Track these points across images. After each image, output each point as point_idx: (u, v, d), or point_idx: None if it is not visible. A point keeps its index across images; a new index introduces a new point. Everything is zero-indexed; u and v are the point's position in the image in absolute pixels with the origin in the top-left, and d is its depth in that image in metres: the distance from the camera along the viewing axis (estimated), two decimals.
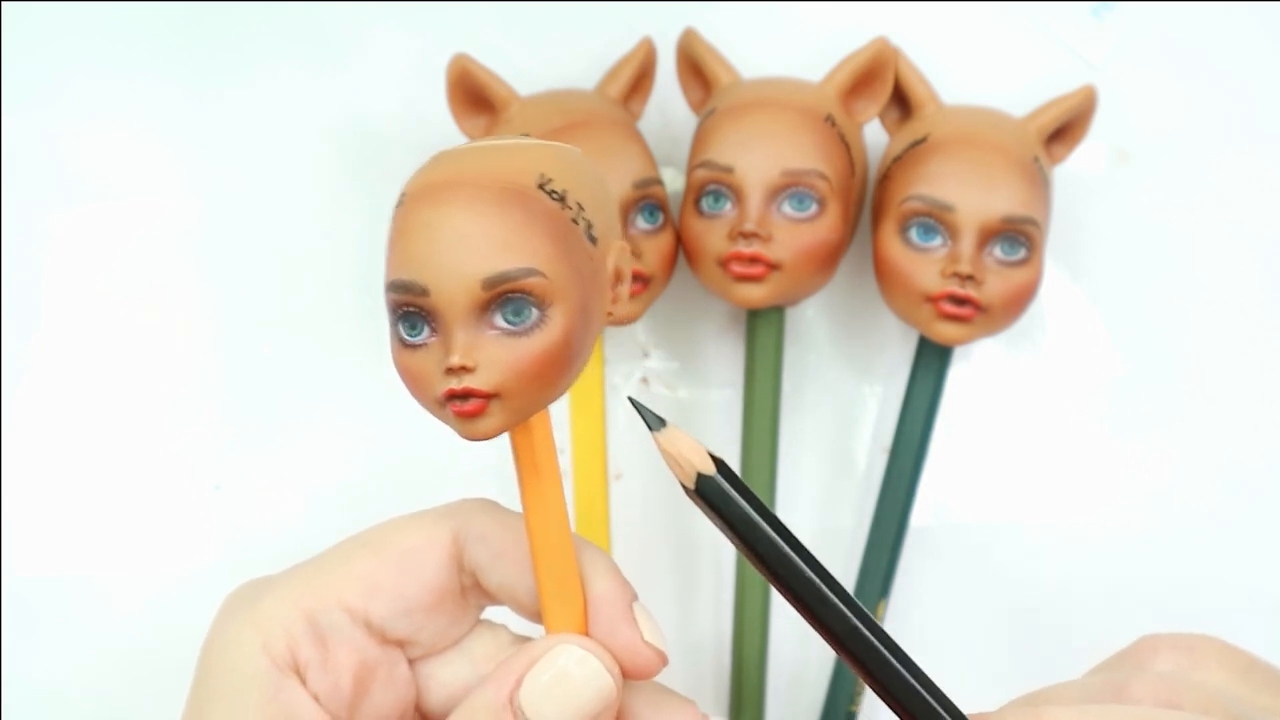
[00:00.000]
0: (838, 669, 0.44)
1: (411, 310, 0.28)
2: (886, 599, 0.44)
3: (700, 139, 0.43)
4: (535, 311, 0.27)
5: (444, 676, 0.33)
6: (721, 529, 0.27)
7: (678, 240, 0.43)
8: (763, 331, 0.43)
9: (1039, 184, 0.41)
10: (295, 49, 0.49)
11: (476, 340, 0.27)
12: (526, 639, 0.33)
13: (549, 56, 0.48)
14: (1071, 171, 0.47)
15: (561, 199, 0.28)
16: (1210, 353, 0.47)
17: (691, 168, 0.42)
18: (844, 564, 0.46)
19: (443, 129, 0.44)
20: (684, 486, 0.27)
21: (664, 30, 0.45)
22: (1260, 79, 0.49)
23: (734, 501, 0.27)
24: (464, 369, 0.27)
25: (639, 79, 0.45)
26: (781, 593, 0.27)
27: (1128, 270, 0.48)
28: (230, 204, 0.48)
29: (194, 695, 0.31)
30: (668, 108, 0.47)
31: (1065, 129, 0.44)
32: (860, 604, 0.28)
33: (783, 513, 0.44)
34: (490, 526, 0.32)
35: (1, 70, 0.48)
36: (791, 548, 0.27)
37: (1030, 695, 0.31)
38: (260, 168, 0.48)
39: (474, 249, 0.27)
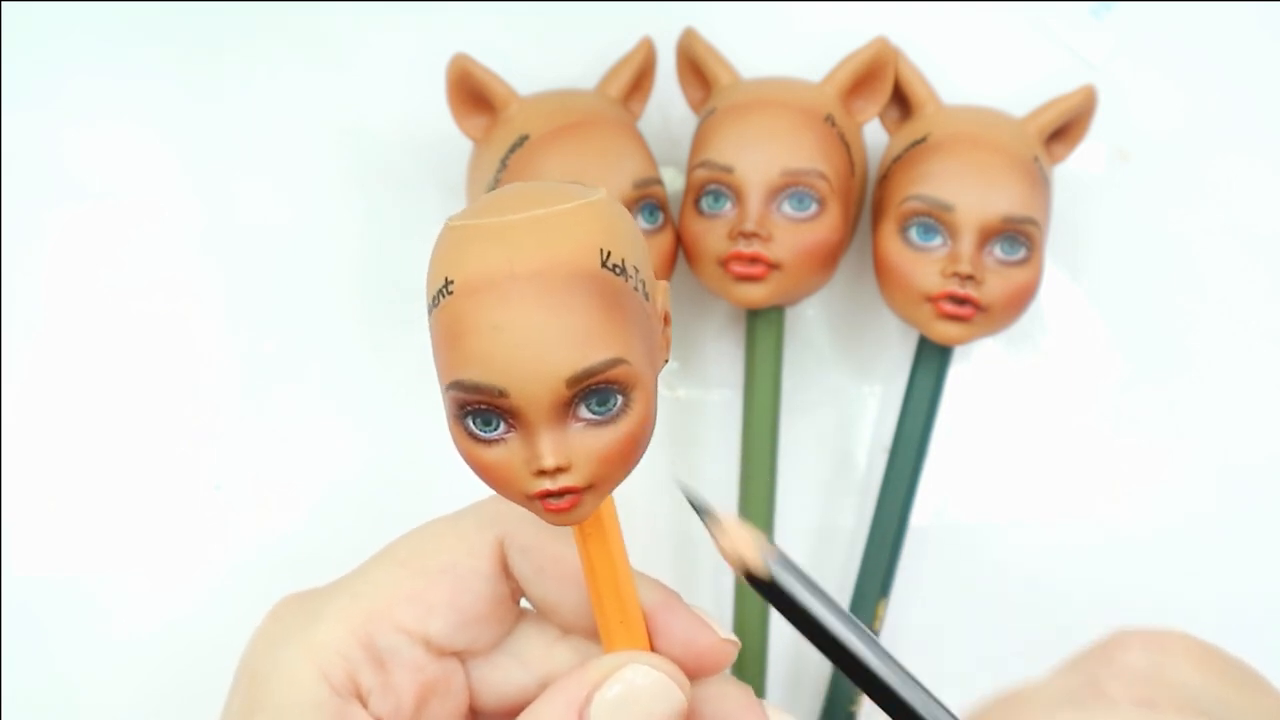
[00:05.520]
0: (837, 671, 0.44)
1: (484, 408, 0.26)
2: (886, 599, 0.44)
3: (700, 139, 0.43)
4: (620, 398, 0.26)
5: (494, 678, 0.32)
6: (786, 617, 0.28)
7: (678, 240, 0.43)
8: (763, 331, 0.43)
9: (1039, 184, 0.41)
10: (295, 49, 0.49)
11: (564, 436, 0.26)
12: (573, 635, 0.33)
13: (549, 56, 0.48)
14: (1071, 171, 0.47)
15: (622, 270, 0.26)
16: (1210, 352, 0.47)
17: (691, 168, 0.42)
18: (844, 564, 0.46)
19: (443, 129, 0.44)
20: (746, 577, 0.27)
21: (664, 30, 0.45)
22: (1260, 79, 0.49)
23: (796, 592, 0.27)
24: (559, 470, 0.26)
25: (639, 79, 0.45)
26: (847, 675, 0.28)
27: (1128, 270, 0.48)
28: (230, 204, 0.48)
29: (244, 718, 0.30)
30: (668, 108, 0.47)
31: (1065, 129, 0.44)
32: (921, 687, 0.28)
33: (783, 513, 0.44)
34: (532, 538, 0.31)
35: (1, 70, 0.48)
36: (855, 633, 0.28)
37: (1005, 696, 0.31)
38: (260, 167, 0.48)
39: (553, 347, 0.25)
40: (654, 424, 0.27)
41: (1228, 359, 0.47)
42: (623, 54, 0.45)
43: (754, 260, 0.41)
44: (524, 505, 0.27)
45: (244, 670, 0.31)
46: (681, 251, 0.43)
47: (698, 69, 0.45)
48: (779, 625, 0.44)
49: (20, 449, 0.46)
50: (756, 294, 0.41)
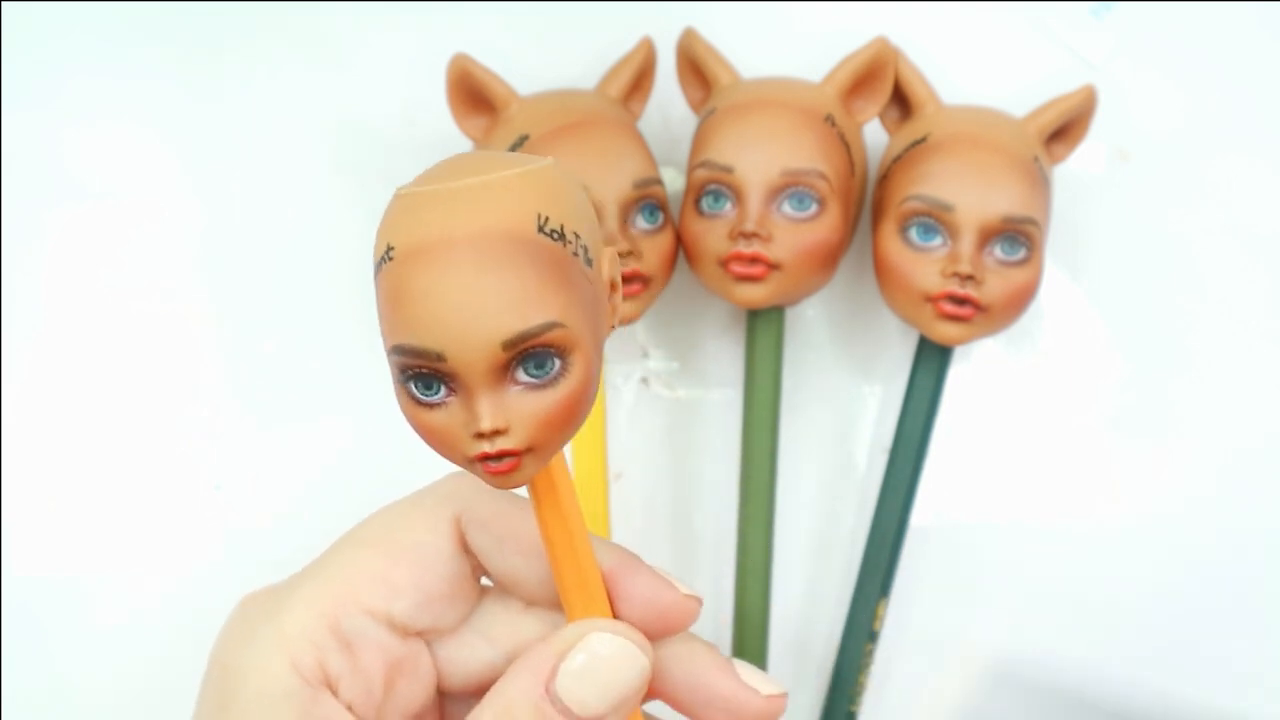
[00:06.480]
0: (837, 671, 0.44)
1: (425, 372, 0.27)
2: (886, 599, 0.44)
3: (700, 139, 0.43)
4: (557, 361, 0.27)
5: (461, 657, 0.33)
6: None
7: (678, 240, 0.43)
8: (763, 331, 0.43)
9: (1039, 184, 0.41)
10: (295, 49, 0.49)
11: (501, 399, 0.27)
12: (536, 607, 0.33)
13: (549, 56, 0.48)
14: (1071, 171, 0.47)
15: (561, 236, 0.27)
16: (1210, 352, 0.47)
17: (691, 168, 0.42)
18: (844, 564, 0.46)
19: (443, 129, 0.44)
20: None
21: (664, 30, 0.45)
22: (1260, 79, 0.49)
23: None
24: (497, 432, 0.27)
25: (639, 79, 0.45)
26: None
27: (1128, 270, 0.48)
28: (230, 203, 0.48)
29: (216, 717, 0.30)
30: (668, 108, 0.47)
31: (1065, 129, 0.44)
32: None
33: (783, 513, 0.44)
34: (490, 512, 0.32)
35: (1, 70, 0.48)
36: None
37: None
38: (260, 167, 0.48)
39: (488, 311, 0.26)
40: (595, 388, 0.28)
41: (1228, 359, 0.47)
42: (623, 54, 0.45)
43: (754, 260, 0.41)
44: (467, 468, 0.28)
45: (214, 664, 0.31)
46: (681, 251, 0.43)
47: (698, 69, 0.45)
48: (779, 626, 0.44)
49: (20, 449, 0.46)
50: (756, 294, 0.41)
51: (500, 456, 0.27)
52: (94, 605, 0.46)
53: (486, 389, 0.26)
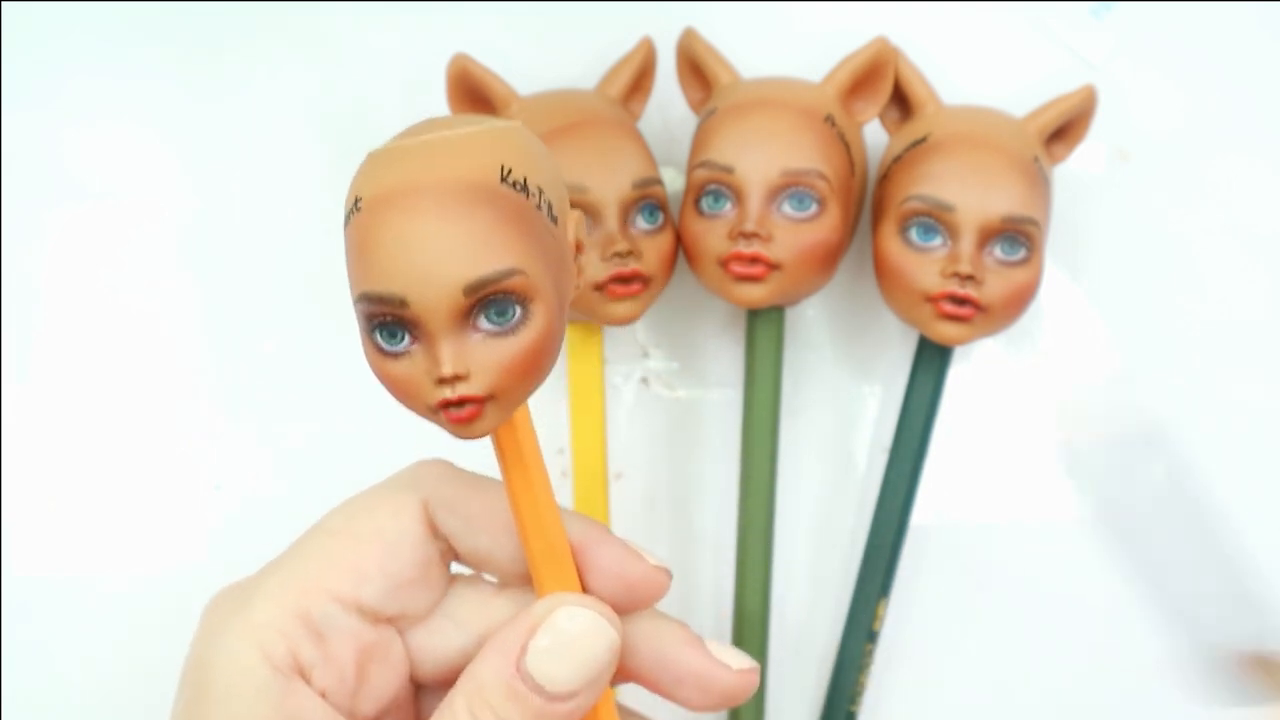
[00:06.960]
0: (837, 670, 0.44)
1: (389, 320, 0.27)
2: (886, 599, 0.44)
3: (700, 139, 0.43)
4: (518, 309, 0.27)
5: (432, 644, 0.32)
6: None
7: (678, 240, 0.43)
8: (763, 331, 0.43)
9: (1039, 184, 0.41)
10: (295, 48, 0.49)
11: (463, 346, 0.27)
12: (506, 590, 0.33)
13: (549, 56, 0.48)
14: (1071, 171, 0.47)
15: (524, 188, 0.27)
16: (1210, 353, 0.47)
17: (691, 168, 0.42)
18: (844, 564, 0.46)
19: None
20: None
21: (664, 30, 0.45)
22: (1260, 79, 0.49)
23: None
24: (458, 378, 0.27)
25: (639, 79, 0.45)
26: None
27: (1128, 270, 0.48)
28: (230, 203, 0.48)
29: (192, 713, 0.30)
30: (668, 108, 0.47)
31: (1065, 129, 0.44)
32: None
33: (783, 513, 0.44)
34: (456, 494, 0.32)
35: (1, 70, 0.48)
36: None
37: None
38: (260, 167, 0.48)
39: (451, 256, 0.26)
40: (558, 342, 0.28)
41: (1228, 359, 0.47)
42: (623, 54, 0.45)
43: (754, 260, 0.41)
44: (430, 419, 0.28)
45: (188, 660, 0.31)
46: (682, 251, 0.43)
47: (698, 69, 0.45)
48: (779, 626, 0.44)
49: (20, 449, 0.46)
50: (756, 294, 0.41)
51: (461, 403, 0.27)
52: (94, 605, 0.46)
53: (448, 335, 0.27)
